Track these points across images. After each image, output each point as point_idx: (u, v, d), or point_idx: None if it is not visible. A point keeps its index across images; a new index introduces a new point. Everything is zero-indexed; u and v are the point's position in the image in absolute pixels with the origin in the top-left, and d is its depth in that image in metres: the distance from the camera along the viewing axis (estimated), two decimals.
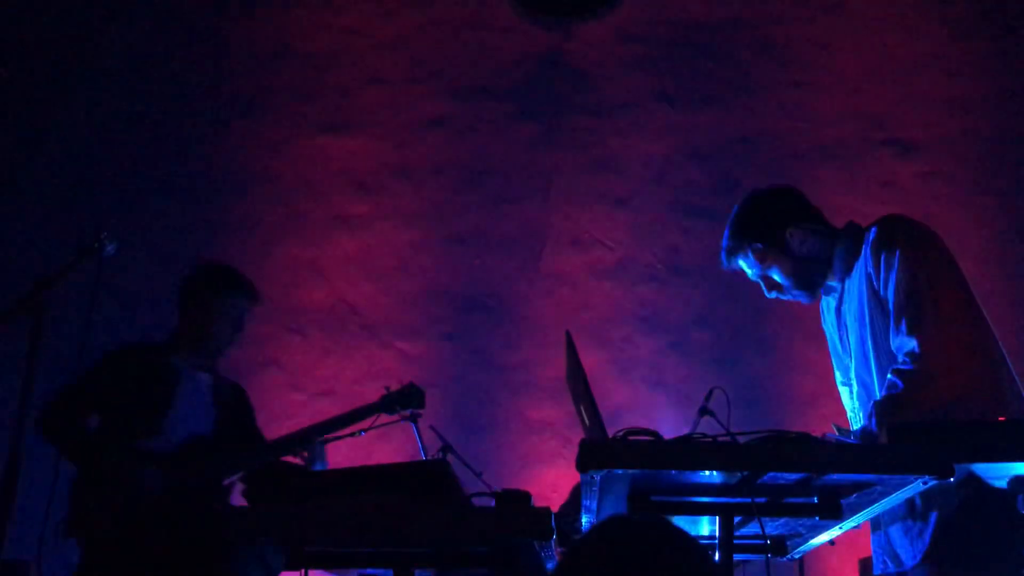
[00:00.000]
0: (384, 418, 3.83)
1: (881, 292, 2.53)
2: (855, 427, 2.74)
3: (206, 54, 5.89)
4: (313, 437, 3.57)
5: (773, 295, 2.83)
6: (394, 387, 3.76)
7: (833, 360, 2.90)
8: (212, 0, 5.97)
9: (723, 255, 2.84)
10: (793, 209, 2.81)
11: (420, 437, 4.37)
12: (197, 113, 5.80)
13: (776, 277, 2.78)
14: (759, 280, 2.84)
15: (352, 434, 3.69)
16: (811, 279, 2.77)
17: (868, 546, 2.76)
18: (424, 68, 5.87)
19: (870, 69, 5.76)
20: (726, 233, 2.83)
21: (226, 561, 3.28)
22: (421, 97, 5.82)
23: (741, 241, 2.78)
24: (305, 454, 3.58)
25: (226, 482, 3.58)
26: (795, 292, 2.80)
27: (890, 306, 2.49)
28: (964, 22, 5.79)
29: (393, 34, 5.93)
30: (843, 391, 2.85)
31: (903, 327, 2.44)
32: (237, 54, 5.90)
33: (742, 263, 2.83)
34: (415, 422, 3.96)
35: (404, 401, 3.74)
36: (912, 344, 2.40)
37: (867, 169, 5.59)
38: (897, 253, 2.50)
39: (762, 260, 2.77)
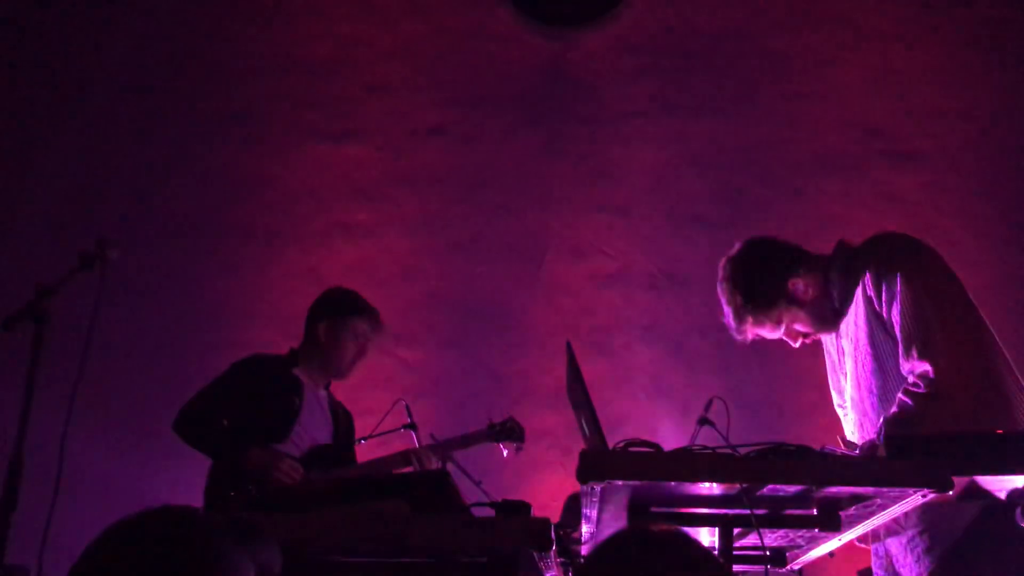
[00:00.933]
0: (385, 425, 3.93)
1: (884, 315, 2.51)
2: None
3: (209, 62, 5.90)
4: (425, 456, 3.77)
5: (800, 344, 2.82)
6: (496, 419, 4.04)
7: (831, 382, 2.90)
8: (215, 8, 5.99)
9: (735, 333, 2.80)
10: (782, 262, 2.76)
11: (420, 446, 4.38)
12: (199, 121, 5.81)
13: (799, 328, 2.77)
14: (784, 337, 2.82)
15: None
16: (827, 317, 2.75)
17: (868, 558, 2.76)
18: (425, 77, 5.89)
19: (870, 80, 5.78)
20: (728, 313, 2.78)
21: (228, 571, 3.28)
22: (422, 106, 5.83)
23: (750, 316, 2.74)
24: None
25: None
26: (820, 332, 2.79)
27: (896, 331, 2.47)
28: (963, 33, 5.81)
29: (395, 43, 5.94)
30: (840, 414, 2.85)
31: (914, 352, 2.42)
32: (239, 62, 5.91)
33: (763, 332, 2.80)
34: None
35: (507, 434, 4.04)
36: (924, 367, 2.39)
37: (866, 180, 5.60)
38: (899, 277, 2.49)
39: (779, 322, 2.75)
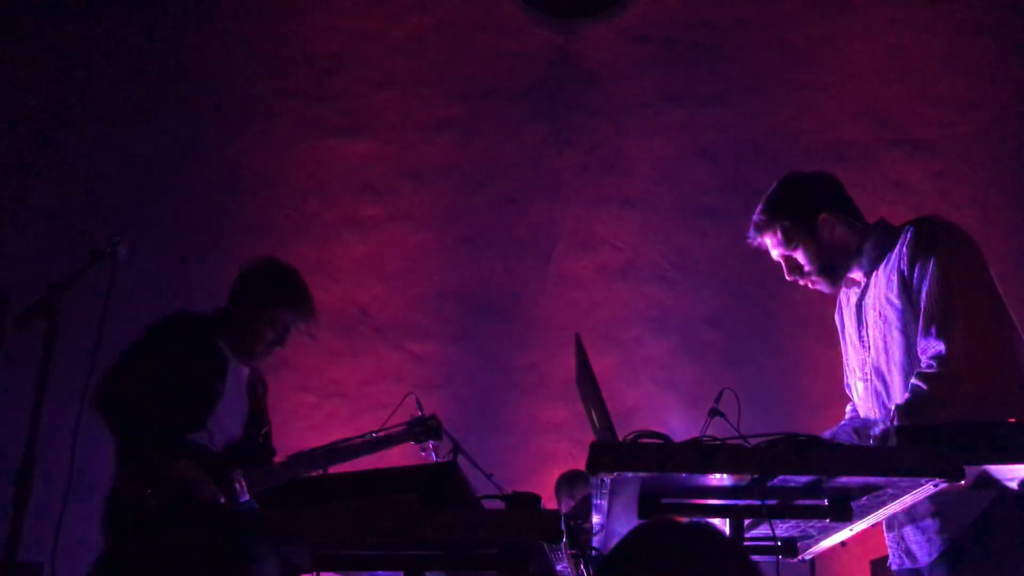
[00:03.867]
0: (396, 419, 3.88)
1: (914, 294, 2.52)
2: (850, 418, 2.75)
3: (217, 58, 5.91)
4: (330, 461, 3.57)
5: (793, 278, 2.82)
6: (418, 416, 3.84)
7: (847, 353, 2.88)
8: (224, 4, 6.00)
9: (752, 228, 2.82)
10: (829, 196, 2.80)
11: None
12: (208, 116, 5.82)
13: (800, 260, 2.77)
14: (781, 261, 2.82)
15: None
16: (834, 267, 2.75)
17: (880, 547, 2.77)
18: (433, 71, 5.88)
19: (880, 68, 5.75)
20: (759, 208, 2.81)
21: (250, 562, 3.26)
22: (430, 99, 5.83)
23: (772, 218, 2.77)
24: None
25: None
26: (816, 278, 2.78)
27: (921, 309, 2.48)
28: (974, 20, 5.77)
29: (403, 37, 5.94)
30: (856, 385, 2.84)
31: (932, 331, 2.43)
32: (248, 57, 5.92)
33: (768, 241, 2.81)
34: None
35: (429, 432, 3.82)
36: (939, 348, 2.39)
37: (878, 169, 5.58)
38: (933, 258, 2.50)
39: (789, 240, 2.76)
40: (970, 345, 2.38)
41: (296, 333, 3.64)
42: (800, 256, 2.76)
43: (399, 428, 3.78)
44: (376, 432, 4.15)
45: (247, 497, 3.32)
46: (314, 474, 3.58)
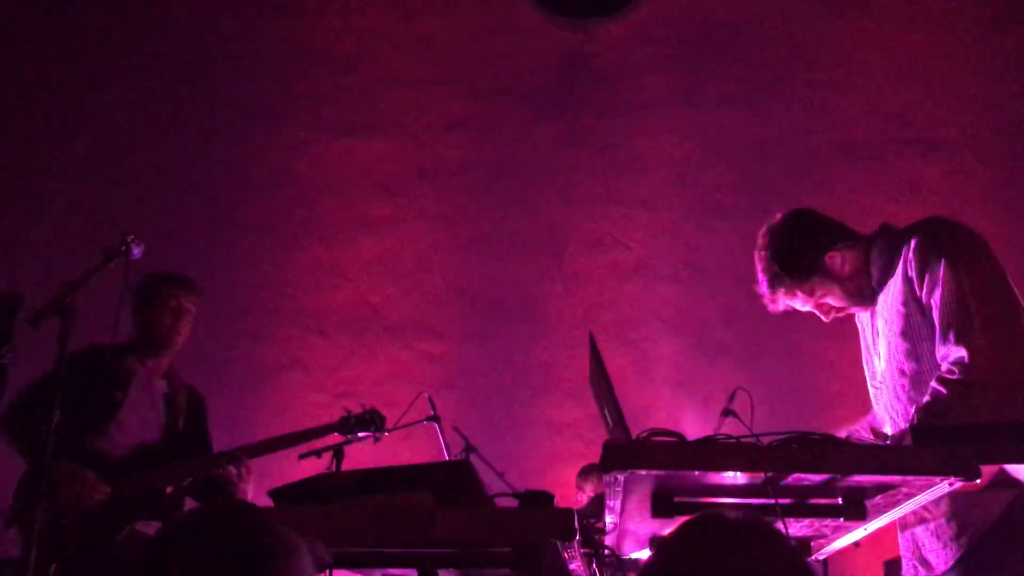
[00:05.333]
0: (409, 418, 3.86)
1: (924, 299, 2.49)
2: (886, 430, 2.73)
3: (230, 58, 5.93)
4: (250, 455, 3.62)
5: (832, 318, 2.79)
6: (355, 411, 3.88)
7: (864, 362, 2.87)
8: (237, 5, 6.02)
9: (767, 301, 2.78)
10: (821, 235, 2.74)
11: (443, 437, 4.40)
12: (221, 116, 5.84)
13: (832, 302, 2.74)
14: (815, 311, 2.79)
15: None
16: (863, 293, 2.72)
17: (894, 547, 2.74)
18: (446, 70, 5.89)
19: (894, 68, 5.72)
20: (763, 282, 2.74)
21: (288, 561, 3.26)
22: (443, 99, 5.84)
23: (790, 284, 2.71)
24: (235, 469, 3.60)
25: (169, 491, 3.59)
26: (853, 307, 2.76)
27: (935, 316, 2.45)
28: (989, 19, 5.74)
29: (415, 37, 5.95)
30: (872, 392, 2.83)
31: (951, 337, 2.39)
32: (261, 57, 5.94)
33: (796, 304, 2.77)
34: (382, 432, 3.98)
35: (364, 424, 3.86)
36: (960, 353, 2.36)
37: (892, 169, 5.56)
38: (943, 263, 2.45)
39: (812, 293, 2.72)
40: (991, 348, 2.35)
41: (187, 308, 3.76)
42: (831, 299, 2.73)
43: (330, 422, 3.85)
44: (388, 431, 4.16)
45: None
46: (327, 474, 3.61)
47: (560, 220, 5.65)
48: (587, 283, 5.55)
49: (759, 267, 2.76)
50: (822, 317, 2.79)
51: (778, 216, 2.80)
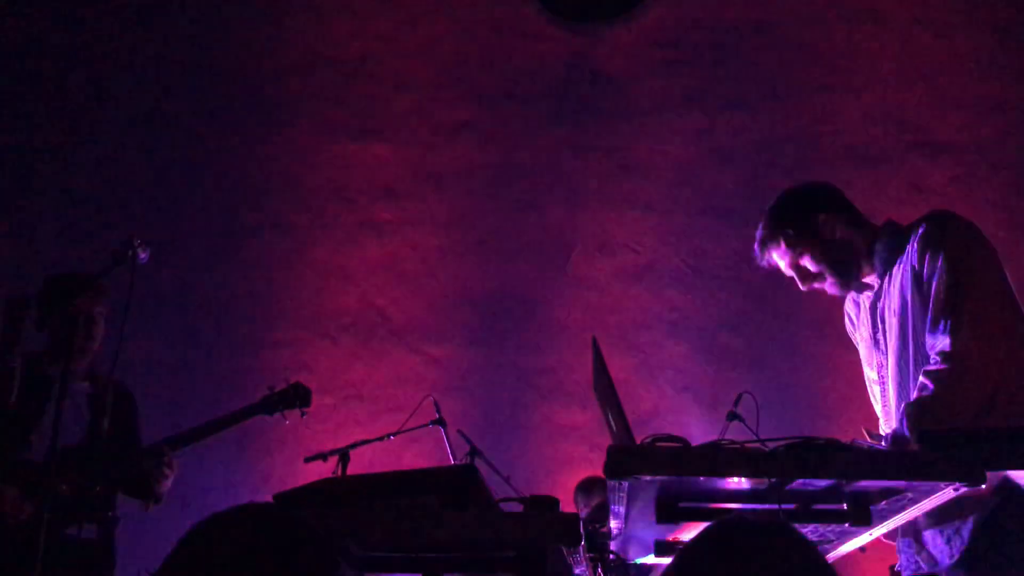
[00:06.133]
0: (414, 421, 3.82)
1: (926, 289, 2.51)
2: (885, 426, 2.73)
3: (236, 62, 5.95)
4: (173, 447, 3.56)
5: (808, 286, 2.81)
6: (279, 387, 3.77)
7: (866, 358, 2.86)
8: (243, 8, 6.03)
9: (757, 249, 2.83)
10: (826, 198, 2.81)
11: (448, 441, 4.40)
12: (227, 120, 5.85)
13: (809, 265, 2.76)
14: (793, 272, 2.81)
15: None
16: (844, 264, 2.74)
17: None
18: (451, 74, 5.90)
19: (901, 71, 5.72)
20: (759, 227, 2.82)
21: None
22: (449, 103, 5.85)
23: (774, 229, 2.77)
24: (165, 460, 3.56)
25: (99, 490, 3.53)
26: (830, 279, 2.77)
27: (930, 304, 2.47)
28: (995, 21, 5.73)
29: (421, 41, 5.96)
30: (874, 389, 2.82)
31: (940, 327, 2.42)
32: (267, 62, 5.95)
33: (775, 255, 2.81)
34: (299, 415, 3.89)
35: (287, 401, 3.75)
36: (945, 343, 2.39)
37: (897, 172, 5.55)
38: (942, 253, 2.49)
39: (794, 247, 2.75)
40: (976, 342, 2.36)
41: (99, 313, 3.64)
42: (808, 260, 2.75)
43: (252, 403, 3.73)
44: (393, 435, 4.13)
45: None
46: (335, 476, 3.61)
47: (566, 223, 5.65)
48: (593, 287, 5.55)
49: (763, 217, 2.83)
50: (799, 284, 2.81)
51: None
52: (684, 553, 1.42)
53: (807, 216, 2.74)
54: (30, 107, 5.90)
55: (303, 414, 3.83)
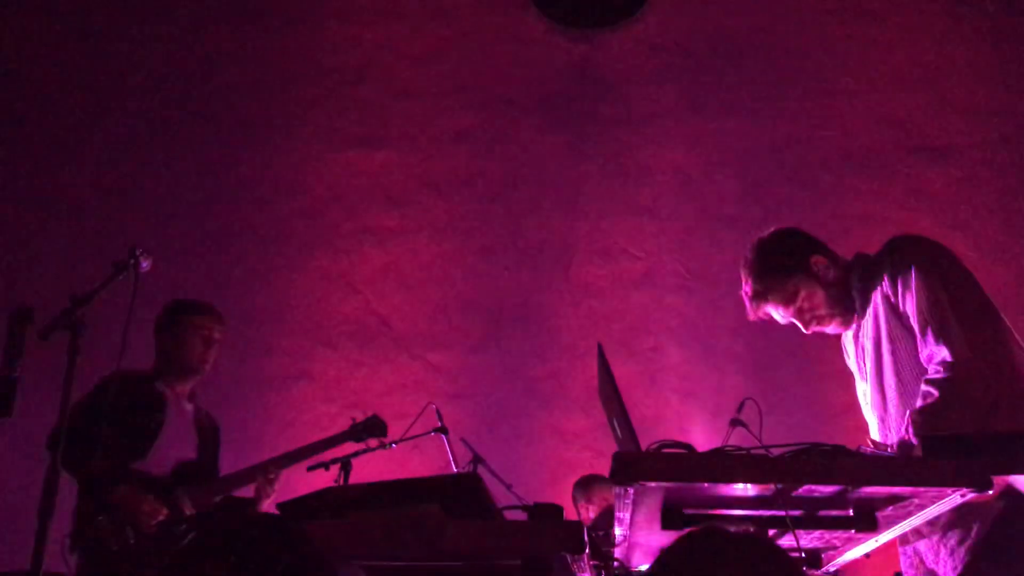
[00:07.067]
0: (416, 429, 3.89)
1: (901, 309, 2.53)
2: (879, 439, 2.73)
3: (238, 70, 5.95)
4: (278, 466, 3.82)
5: (811, 330, 2.80)
6: (359, 418, 4.10)
7: (858, 387, 2.88)
8: (244, 17, 6.04)
9: (749, 304, 2.80)
10: (808, 241, 2.80)
11: (451, 449, 4.39)
12: (229, 128, 5.86)
13: (813, 306, 2.75)
14: (795, 319, 2.80)
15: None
16: (844, 304, 2.74)
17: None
18: (452, 81, 5.90)
19: (900, 76, 5.72)
20: (749, 281, 2.78)
21: None
22: (450, 110, 5.85)
23: (769, 283, 2.75)
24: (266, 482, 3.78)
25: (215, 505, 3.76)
26: (836, 320, 2.77)
27: (913, 321, 2.49)
28: (995, 27, 5.74)
29: (421, 48, 5.97)
30: (868, 415, 2.83)
31: (930, 337, 2.44)
32: (268, 70, 5.96)
33: (771, 308, 2.79)
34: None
35: (370, 430, 4.09)
36: (943, 352, 2.40)
37: (898, 177, 5.55)
38: (912, 269, 2.52)
39: (794, 295, 2.74)
40: (972, 346, 2.38)
41: (217, 338, 3.94)
42: (810, 303, 2.74)
43: (342, 431, 4.07)
44: (395, 443, 4.21)
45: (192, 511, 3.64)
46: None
47: (567, 230, 5.65)
48: (594, 293, 5.54)
49: (744, 272, 2.79)
50: (801, 327, 2.80)
51: (767, 232, 2.84)
52: (661, 561, 1.42)
53: (802, 263, 2.73)
54: (27, 118, 5.90)
55: (381, 445, 4.19)
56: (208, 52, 5.98)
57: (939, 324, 2.43)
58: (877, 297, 2.62)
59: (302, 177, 5.78)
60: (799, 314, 2.77)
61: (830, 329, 2.81)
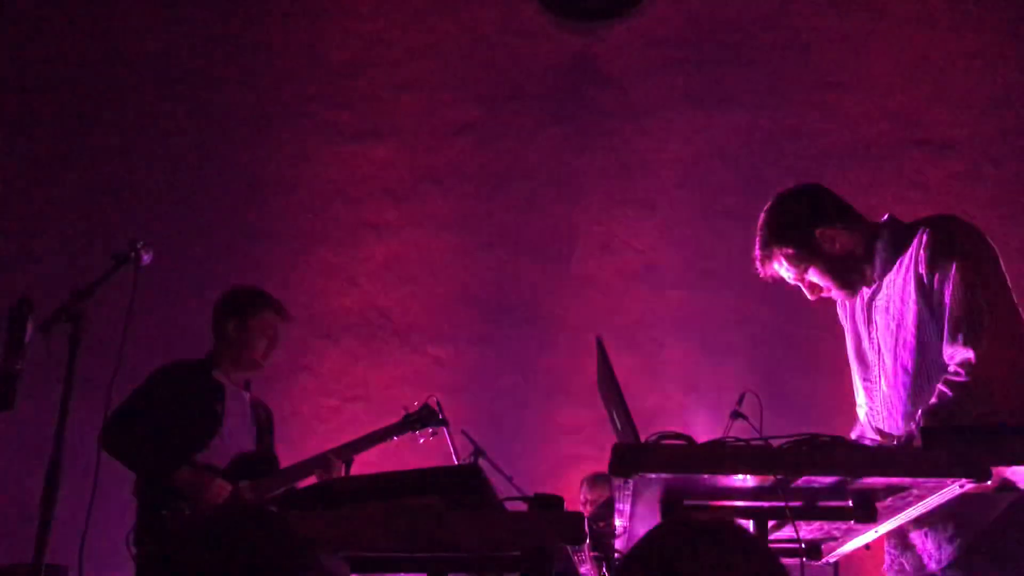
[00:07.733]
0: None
1: (935, 298, 2.48)
2: (866, 418, 2.72)
3: (238, 63, 5.95)
4: (337, 456, 3.82)
5: (816, 297, 2.79)
6: (412, 409, 4.06)
7: (853, 348, 2.85)
8: (243, 10, 6.04)
9: (758, 264, 2.79)
10: (820, 210, 2.74)
11: (452, 441, 4.40)
12: (228, 122, 5.86)
13: (815, 279, 2.74)
14: (798, 284, 2.80)
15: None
16: (849, 277, 2.72)
17: None
18: (453, 75, 5.90)
19: (901, 68, 5.71)
20: (756, 243, 2.78)
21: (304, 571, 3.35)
22: (450, 103, 5.85)
23: (772, 249, 2.74)
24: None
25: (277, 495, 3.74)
26: (836, 291, 2.76)
27: (945, 315, 2.44)
28: (997, 19, 5.73)
29: (422, 41, 5.96)
30: (860, 387, 2.80)
31: (959, 339, 2.38)
32: (267, 63, 5.95)
33: (777, 270, 2.79)
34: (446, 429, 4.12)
35: (424, 420, 4.05)
36: (967, 355, 2.35)
37: (899, 170, 5.54)
38: (954, 263, 2.45)
39: (797, 265, 2.73)
40: (999, 354, 2.34)
41: (280, 336, 3.91)
42: (813, 275, 2.73)
43: (396, 422, 4.04)
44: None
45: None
46: (340, 475, 3.70)
47: (568, 223, 5.65)
48: (595, 286, 5.55)
49: (758, 230, 2.77)
50: (807, 293, 2.80)
51: (791, 186, 2.83)
52: (633, 553, 1.42)
53: (806, 233, 2.69)
54: (26, 113, 5.90)
55: (434, 433, 4.13)
56: (207, 45, 5.98)
57: (970, 329, 2.37)
58: (909, 272, 2.56)
59: (302, 171, 5.78)
60: (803, 282, 2.77)
61: (833, 295, 2.79)
